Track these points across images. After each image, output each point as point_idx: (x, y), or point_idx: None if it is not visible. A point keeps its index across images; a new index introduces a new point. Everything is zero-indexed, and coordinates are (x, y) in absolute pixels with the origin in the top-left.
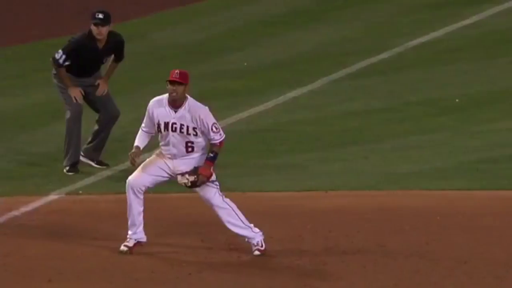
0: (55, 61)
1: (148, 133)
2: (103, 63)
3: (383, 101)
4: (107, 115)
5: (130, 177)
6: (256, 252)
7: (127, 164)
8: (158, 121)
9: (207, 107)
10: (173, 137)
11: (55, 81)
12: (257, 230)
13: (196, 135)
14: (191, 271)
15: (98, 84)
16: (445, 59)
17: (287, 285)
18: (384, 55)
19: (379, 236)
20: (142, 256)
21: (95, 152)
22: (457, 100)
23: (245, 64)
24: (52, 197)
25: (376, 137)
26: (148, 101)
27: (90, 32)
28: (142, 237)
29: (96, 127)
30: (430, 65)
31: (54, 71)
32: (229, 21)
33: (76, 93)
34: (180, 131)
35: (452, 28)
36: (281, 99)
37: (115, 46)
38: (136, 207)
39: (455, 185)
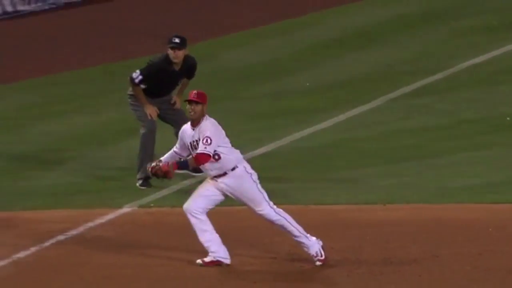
0: (132, 80)
1: (176, 154)
2: (178, 84)
3: (438, 119)
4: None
5: (184, 204)
6: (318, 263)
7: (197, 177)
8: (186, 143)
9: (215, 122)
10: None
11: (130, 100)
12: (313, 239)
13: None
14: (256, 280)
15: (173, 102)
16: (497, 80)
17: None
18: (438, 76)
19: (434, 247)
20: (210, 266)
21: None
22: (508, 119)
23: (308, 84)
24: (125, 209)
25: (431, 153)
26: (217, 119)
27: (167, 55)
28: (225, 257)
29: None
30: (483, 85)
31: (129, 91)
32: (293, 44)
33: (151, 110)
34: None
35: (504, 50)
36: (342, 117)
37: (189, 68)
38: (201, 228)
39: (506, 198)
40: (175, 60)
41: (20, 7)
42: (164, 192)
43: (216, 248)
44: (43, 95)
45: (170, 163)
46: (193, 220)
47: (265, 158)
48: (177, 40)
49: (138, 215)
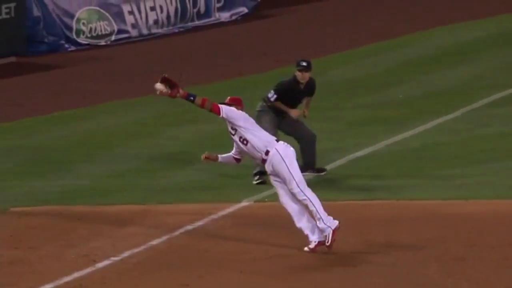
0: (268, 99)
1: (234, 157)
2: (301, 102)
3: None
4: (307, 141)
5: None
6: (308, 248)
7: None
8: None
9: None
10: (236, 145)
11: (256, 114)
12: (331, 222)
13: (234, 130)
14: (355, 264)
15: (293, 119)
16: None
17: (434, 277)
18: None
19: (510, 235)
20: (313, 253)
21: (309, 166)
22: None
23: (400, 96)
24: (244, 203)
25: (507, 156)
26: (323, 125)
27: (295, 77)
28: (320, 236)
29: (301, 147)
30: None
31: (258, 107)
32: (387, 62)
33: (296, 112)
34: (232, 135)
35: None
36: (429, 124)
37: (311, 87)
38: (295, 215)
39: None
40: (302, 81)
41: (154, 30)
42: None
43: (311, 232)
44: (176, 105)
45: (182, 90)
46: (286, 208)
47: (363, 160)
48: (304, 64)
49: (254, 209)
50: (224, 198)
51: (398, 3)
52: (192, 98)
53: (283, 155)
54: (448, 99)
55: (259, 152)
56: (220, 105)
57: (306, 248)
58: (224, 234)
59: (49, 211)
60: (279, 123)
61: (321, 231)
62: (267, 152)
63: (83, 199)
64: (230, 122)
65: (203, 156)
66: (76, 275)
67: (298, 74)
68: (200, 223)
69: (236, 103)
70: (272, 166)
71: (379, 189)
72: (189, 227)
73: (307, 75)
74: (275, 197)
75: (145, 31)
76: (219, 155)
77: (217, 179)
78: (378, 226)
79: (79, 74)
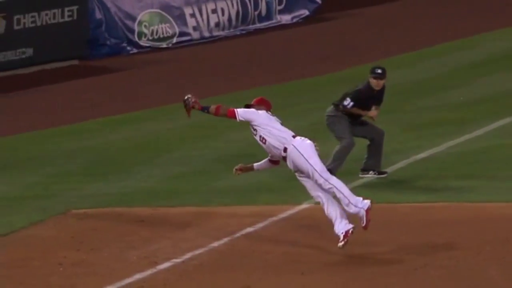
0: (345, 107)
1: (270, 161)
2: (370, 109)
3: None
4: (377, 140)
5: None
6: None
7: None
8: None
9: (265, 113)
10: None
11: (329, 119)
12: (361, 204)
13: (255, 130)
14: (417, 267)
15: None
16: None
17: (496, 279)
18: None
19: None
20: (374, 253)
21: (374, 166)
22: None
23: (461, 98)
24: (304, 206)
25: None
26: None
27: (369, 83)
28: (344, 227)
29: (370, 146)
30: None
31: (328, 112)
32: (448, 64)
33: (374, 113)
34: (254, 136)
35: None
36: (491, 127)
37: (382, 93)
38: (326, 208)
39: None
40: (376, 88)
41: (215, 33)
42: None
43: (336, 225)
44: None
45: (197, 103)
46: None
47: (424, 162)
48: (379, 71)
49: (315, 211)
50: (284, 200)
51: (460, 5)
52: (206, 109)
53: (300, 149)
54: (508, 102)
55: (278, 149)
56: (235, 110)
57: (339, 244)
58: (285, 237)
59: (111, 213)
60: (353, 128)
61: (353, 213)
62: (285, 149)
63: (144, 201)
64: (250, 124)
65: (235, 169)
66: (137, 277)
67: (373, 82)
68: (260, 225)
69: (261, 104)
70: (292, 162)
71: (440, 192)
72: (250, 229)
73: (381, 83)
74: (336, 199)
75: (206, 34)
76: (254, 164)
77: (278, 181)
78: (440, 228)
79: (141, 76)
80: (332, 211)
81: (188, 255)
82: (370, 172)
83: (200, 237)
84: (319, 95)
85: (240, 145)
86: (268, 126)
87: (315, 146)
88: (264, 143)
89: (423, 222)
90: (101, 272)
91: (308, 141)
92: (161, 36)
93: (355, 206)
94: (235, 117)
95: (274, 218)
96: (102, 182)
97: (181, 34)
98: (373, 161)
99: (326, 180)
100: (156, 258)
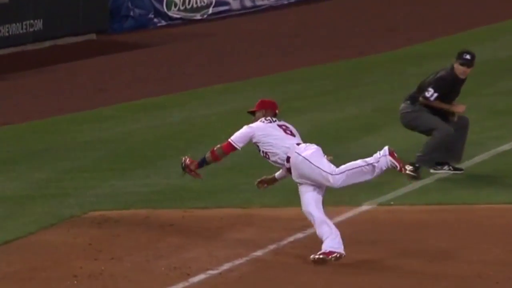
0: (426, 99)
1: (286, 166)
2: (457, 96)
3: None
4: (462, 129)
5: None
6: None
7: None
8: None
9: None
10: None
11: (406, 116)
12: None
13: (258, 147)
14: (499, 280)
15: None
16: None
17: None
18: None
19: None
20: (447, 263)
21: (455, 158)
22: None
23: None
24: (365, 207)
25: None
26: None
27: (452, 69)
28: (336, 246)
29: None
30: None
31: (407, 109)
32: None
33: (462, 108)
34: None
35: None
36: None
37: (463, 84)
38: (319, 227)
39: None
40: (462, 77)
41: (259, 2)
42: (405, 189)
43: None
44: (280, 92)
45: (192, 163)
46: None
47: (507, 156)
48: (468, 57)
49: (377, 213)
50: (341, 201)
51: None
52: (204, 161)
53: (304, 155)
54: None
55: (282, 161)
56: (229, 140)
57: (312, 256)
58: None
59: (134, 216)
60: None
61: (385, 164)
62: (288, 159)
63: (173, 202)
64: (253, 143)
65: (258, 184)
66: None
67: (459, 69)
68: (312, 230)
69: (263, 107)
70: (298, 171)
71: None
72: (300, 235)
73: (468, 71)
74: (402, 199)
75: (248, 3)
76: (275, 174)
77: None
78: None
79: (170, 54)
80: (326, 230)
81: (226, 266)
82: (445, 167)
83: (240, 245)
84: (382, 75)
85: None
86: (268, 138)
87: (327, 157)
88: (268, 158)
89: (505, 227)
90: (123, 285)
91: (314, 146)
92: (195, 6)
93: (378, 159)
94: (233, 149)
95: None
96: (123, 179)
97: (218, 3)
98: (453, 153)
99: (338, 174)
100: (189, 269)
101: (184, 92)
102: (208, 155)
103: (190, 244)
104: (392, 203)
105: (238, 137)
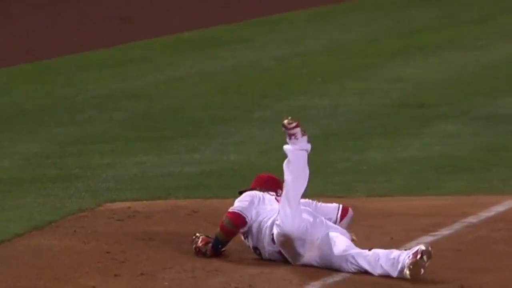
0: None
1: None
2: None
3: None
4: None
5: None
6: None
7: None
8: None
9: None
10: None
11: None
12: None
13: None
14: None
15: None
16: None
17: None
18: None
19: None
20: None
21: None
22: None
23: None
24: None
25: None
26: None
27: None
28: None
29: None
30: None
31: None
32: None
33: None
34: None
35: None
36: None
37: None
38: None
39: None
40: None
41: None
42: None
43: None
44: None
45: (206, 247)
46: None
47: None
48: None
49: None
50: (491, 187)
51: None
52: (218, 243)
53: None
54: None
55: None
56: (235, 212)
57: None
58: (486, 250)
59: (173, 209)
60: None
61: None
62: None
63: (231, 188)
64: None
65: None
66: None
67: None
68: (446, 232)
69: (257, 185)
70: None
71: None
72: (426, 239)
73: None
74: None
75: None
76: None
77: (479, 151)
78: None
79: None
80: (364, 260)
81: (316, 284)
82: None
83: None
84: None
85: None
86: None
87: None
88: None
89: None
90: None
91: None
92: None
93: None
94: (244, 221)
95: (471, 219)
96: (158, 153)
97: None
98: None
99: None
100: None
101: (252, 21)
102: (219, 233)
103: None
104: None
105: (241, 207)
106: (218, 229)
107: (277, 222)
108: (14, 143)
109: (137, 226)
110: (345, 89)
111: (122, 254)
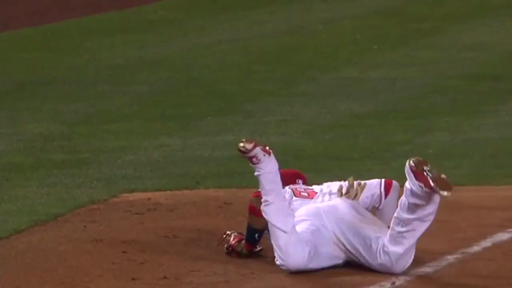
0: None
1: None
2: None
3: None
4: None
5: None
6: None
7: None
8: None
9: None
10: None
11: None
12: None
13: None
14: None
15: None
16: None
17: None
18: None
19: None
20: None
21: None
22: None
23: None
24: None
25: None
26: None
27: None
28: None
29: None
30: None
31: None
32: None
33: None
34: None
35: None
36: None
37: None
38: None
39: None
40: None
41: None
42: None
43: None
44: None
45: (240, 245)
46: None
47: None
48: None
49: None
50: None
51: None
52: (249, 230)
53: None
54: None
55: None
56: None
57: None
58: None
59: (202, 201)
60: None
61: None
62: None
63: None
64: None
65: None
66: None
67: None
68: None
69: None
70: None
71: None
72: (503, 237)
73: None
74: None
75: None
76: None
77: None
78: None
79: None
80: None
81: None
82: None
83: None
84: None
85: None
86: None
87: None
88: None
89: None
90: None
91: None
92: None
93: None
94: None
95: None
96: (184, 135)
97: None
98: None
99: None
100: None
101: None
102: (255, 221)
103: None
104: None
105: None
106: (248, 215)
107: (278, 263)
108: (13, 123)
109: (159, 221)
110: (406, 59)
111: (141, 254)
